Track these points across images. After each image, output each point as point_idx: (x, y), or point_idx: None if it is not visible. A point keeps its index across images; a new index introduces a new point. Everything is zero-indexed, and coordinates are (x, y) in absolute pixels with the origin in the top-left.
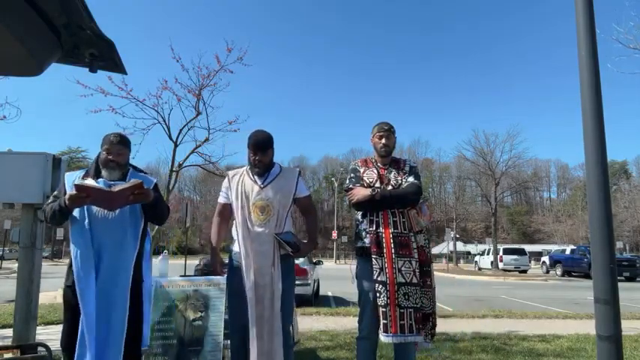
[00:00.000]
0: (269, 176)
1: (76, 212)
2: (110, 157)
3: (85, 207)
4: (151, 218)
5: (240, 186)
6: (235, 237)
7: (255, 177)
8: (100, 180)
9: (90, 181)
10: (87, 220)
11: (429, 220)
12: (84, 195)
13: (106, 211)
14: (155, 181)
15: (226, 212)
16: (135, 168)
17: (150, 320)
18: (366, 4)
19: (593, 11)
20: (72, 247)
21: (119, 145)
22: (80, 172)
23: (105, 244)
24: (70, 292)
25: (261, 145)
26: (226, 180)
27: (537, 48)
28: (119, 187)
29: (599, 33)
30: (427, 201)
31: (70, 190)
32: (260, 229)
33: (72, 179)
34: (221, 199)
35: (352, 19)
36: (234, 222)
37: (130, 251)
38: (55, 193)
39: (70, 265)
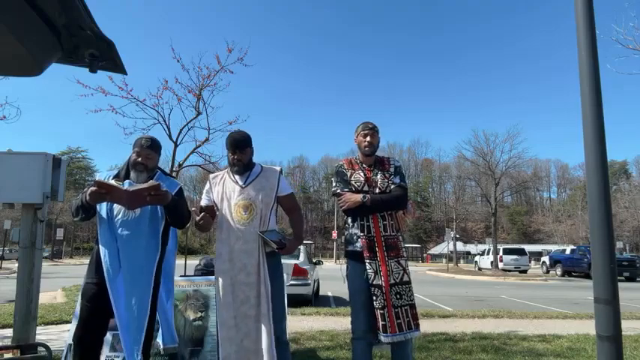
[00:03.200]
0: (250, 176)
1: (102, 212)
2: (139, 159)
3: (109, 207)
4: (170, 221)
5: (221, 187)
6: (219, 237)
7: (236, 177)
8: (126, 181)
9: (109, 180)
10: (111, 220)
11: (414, 217)
12: (103, 191)
13: (127, 211)
14: (180, 185)
15: (209, 212)
16: (164, 172)
17: (173, 320)
18: (367, 5)
19: (593, 12)
20: (100, 247)
21: (149, 149)
22: (111, 173)
23: (124, 245)
24: (94, 288)
25: (239, 144)
26: (207, 183)
27: (537, 48)
28: (136, 187)
29: (599, 34)
30: (411, 199)
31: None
32: (244, 228)
33: (102, 178)
34: (203, 202)
35: (353, 20)
36: (217, 223)
37: (150, 252)
38: (85, 189)
39: (94, 263)
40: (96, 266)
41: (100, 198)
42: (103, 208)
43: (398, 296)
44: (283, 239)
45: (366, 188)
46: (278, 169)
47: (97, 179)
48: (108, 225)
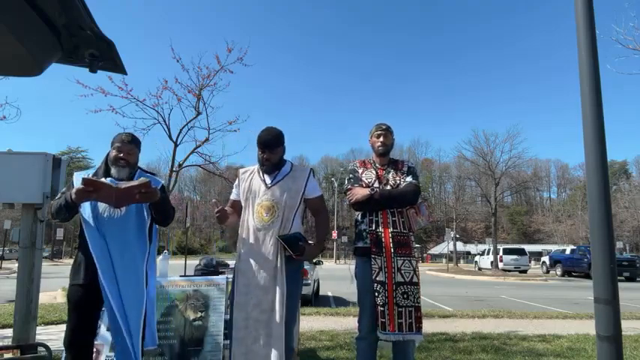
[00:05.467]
0: (278, 175)
1: (86, 213)
2: (121, 155)
3: (92, 206)
4: (156, 219)
5: (248, 184)
6: (240, 236)
7: (264, 176)
8: (108, 178)
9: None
10: (97, 219)
11: (429, 220)
12: (90, 189)
13: (112, 209)
14: (162, 182)
15: (236, 207)
16: (143, 170)
17: (155, 320)
18: (367, 5)
19: (593, 12)
20: (90, 247)
21: (130, 144)
22: (90, 171)
23: (114, 243)
24: (81, 290)
25: (269, 143)
26: (237, 177)
27: (537, 48)
28: (126, 184)
29: (599, 34)
30: (426, 201)
31: (78, 185)
32: (264, 230)
33: (81, 177)
34: (232, 196)
35: (353, 20)
36: (240, 220)
37: (138, 251)
38: (63, 190)
39: (79, 264)
40: (84, 267)
41: (86, 195)
42: (86, 208)
43: (405, 296)
44: (303, 244)
45: (376, 185)
46: (309, 169)
47: (84, 177)
48: (94, 224)
